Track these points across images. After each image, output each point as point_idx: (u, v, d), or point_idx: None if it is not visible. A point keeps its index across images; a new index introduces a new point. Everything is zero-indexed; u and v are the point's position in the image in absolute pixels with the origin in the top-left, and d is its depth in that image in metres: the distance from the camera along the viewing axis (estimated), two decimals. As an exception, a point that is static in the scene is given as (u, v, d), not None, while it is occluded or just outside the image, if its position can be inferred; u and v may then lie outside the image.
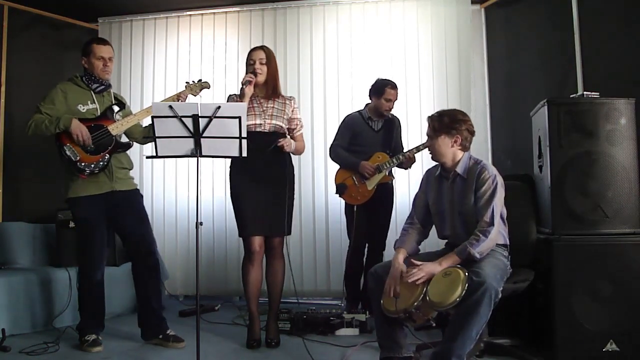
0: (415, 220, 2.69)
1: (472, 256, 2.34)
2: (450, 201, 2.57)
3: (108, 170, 2.96)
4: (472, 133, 2.58)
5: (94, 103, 3.00)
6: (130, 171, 3.17)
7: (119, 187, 3.02)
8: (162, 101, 3.05)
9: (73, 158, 2.85)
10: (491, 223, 2.39)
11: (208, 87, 3.16)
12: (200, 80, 3.15)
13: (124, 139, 3.08)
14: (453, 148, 2.54)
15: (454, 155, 2.56)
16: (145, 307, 3.09)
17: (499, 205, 2.44)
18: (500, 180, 2.47)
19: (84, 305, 3.02)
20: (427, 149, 2.71)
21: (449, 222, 2.58)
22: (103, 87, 3.04)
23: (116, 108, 3.04)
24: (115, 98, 3.13)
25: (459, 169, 2.54)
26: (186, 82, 3.13)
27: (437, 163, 2.65)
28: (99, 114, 2.98)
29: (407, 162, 3.53)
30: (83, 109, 2.95)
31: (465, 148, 2.57)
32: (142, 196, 3.19)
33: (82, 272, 3.02)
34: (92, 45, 3.01)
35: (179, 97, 3.05)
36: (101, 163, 2.91)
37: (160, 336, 3.04)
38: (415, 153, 3.50)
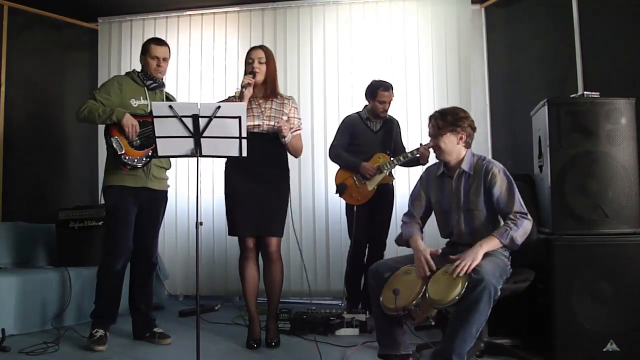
0: (415, 215, 2.70)
1: (514, 240, 2.36)
2: (455, 199, 2.57)
3: (146, 167, 3.03)
4: (474, 129, 2.60)
5: (146, 99, 3.09)
6: (167, 171, 3.23)
7: (152, 186, 3.08)
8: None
9: (118, 151, 2.93)
10: (524, 212, 2.41)
11: None
12: None
13: None
14: (459, 145, 2.55)
15: (459, 152, 2.56)
16: (135, 307, 3.16)
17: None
18: (508, 173, 2.50)
19: (101, 293, 3.05)
20: (431, 149, 2.71)
21: (453, 220, 2.58)
22: (156, 84, 3.13)
23: None
24: (167, 98, 3.21)
25: (465, 166, 2.55)
26: None
27: (437, 162, 2.66)
28: (149, 110, 3.03)
29: (422, 158, 3.40)
30: (135, 104, 3.04)
31: (468, 145, 2.58)
32: (167, 199, 3.25)
33: (103, 260, 3.04)
34: (150, 45, 3.11)
35: None
36: (144, 159, 2.98)
37: (147, 334, 3.12)
38: (416, 154, 3.48)
